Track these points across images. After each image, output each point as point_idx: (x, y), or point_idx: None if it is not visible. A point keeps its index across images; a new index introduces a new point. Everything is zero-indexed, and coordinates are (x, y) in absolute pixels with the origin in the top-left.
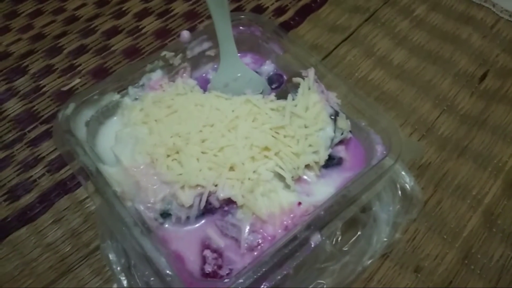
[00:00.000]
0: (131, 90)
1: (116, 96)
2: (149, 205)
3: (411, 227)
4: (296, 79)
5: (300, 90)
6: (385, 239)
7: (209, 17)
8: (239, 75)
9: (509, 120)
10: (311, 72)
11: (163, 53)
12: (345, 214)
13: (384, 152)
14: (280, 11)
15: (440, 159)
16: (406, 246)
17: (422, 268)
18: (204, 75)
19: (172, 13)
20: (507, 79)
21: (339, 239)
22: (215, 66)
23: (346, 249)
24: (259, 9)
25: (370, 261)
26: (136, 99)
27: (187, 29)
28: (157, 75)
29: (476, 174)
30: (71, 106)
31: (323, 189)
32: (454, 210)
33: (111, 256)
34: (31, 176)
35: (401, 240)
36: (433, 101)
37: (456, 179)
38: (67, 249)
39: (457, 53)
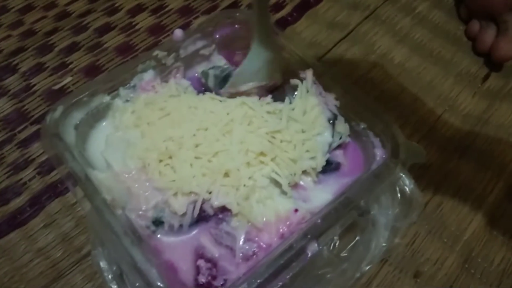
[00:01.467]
0: (122, 91)
1: (107, 98)
2: (140, 212)
3: (410, 231)
4: (294, 81)
5: (298, 93)
6: (384, 244)
7: (204, 12)
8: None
9: None
10: (309, 74)
11: (155, 52)
12: (342, 222)
13: (384, 156)
14: (277, 6)
15: (441, 160)
16: (406, 250)
17: (421, 273)
18: (197, 75)
19: (166, 9)
20: (511, 78)
21: (337, 244)
22: (210, 65)
23: (344, 255)
24: None
25: (368, 267)
26: (127, 100)
27: (182, 25)
28: (149, 75)
29: (477, 175)
30: (60, 109)
31: (320, 195)
32: (455, 212)
33: (102, 264)
34: (21, 179)
35: (400, 244)
36: (434, 101)
37: (457, 180)
38: (58, 254)
39: (459, 53)
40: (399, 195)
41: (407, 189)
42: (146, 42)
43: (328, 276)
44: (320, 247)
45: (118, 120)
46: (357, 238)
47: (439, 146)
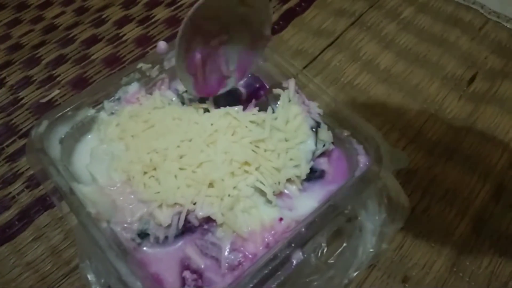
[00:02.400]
0: (107, 104)
1: (91, 111)
2: (126, 225)
3: (398, 236)
4: (276, 91)
5: (280, 102)
6: (371, 250)
7: None
8: None
9: (497, 122)
10: (291, 83)
11: (139, 65)
12: (327, 229)
13: (367, 163)
14: None
15: (428, 164)
16: (394, 255)
17: (410, 278)
18: None
19: (153, 20)
20: (496, 81)
21: (324, 251)
22: None
23: (332, 261)
24: None
25: (356, 273)
26: (112, 113)
27: (169, 36)
28: (134, 88)
29: (464, 179)
30: (44, 124)
31: (305, 203)
32: (442, 216)
33: (90, 277)
34: (10, 193)
35: (388, 249)
36: (420, 105)
37: (444, 184)
38: (47, 268)
39: (445, 56)
40: (385, 200)
41: (394, 194)
42: (134, 53)
43: (316, 283)
44: (305, 256)
45: (103, 133)
46: (344, 244)
47: (426, 150)
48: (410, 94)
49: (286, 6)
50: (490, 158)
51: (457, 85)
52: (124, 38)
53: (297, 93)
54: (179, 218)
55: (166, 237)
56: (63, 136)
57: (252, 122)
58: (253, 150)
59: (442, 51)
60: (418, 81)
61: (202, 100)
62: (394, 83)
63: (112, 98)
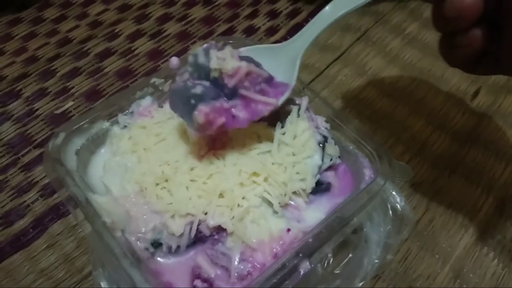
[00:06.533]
0: (121, 117)
1: (106, 124)
2: (139, 235)
3: (402, 247)
4: (288, 107)
5: (289, 117)
6: (376, 261)
7: (201, 38)
8: None
9: (501, 135)
10: (304, 101)
11: (153, 80)
12: (334, 240)
13: (372, 176)
14: (272, 30)
15: (432, 177)
16: (398, 266)
17: None
18: None
19: (164, 34)
20: (499, 95)
21: (331, 261)
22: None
23: (338, 272)
24: (251, 30)
25: (361, 283)
26: (125, 126)
27: (180, 50)
28: (147, 101)
29: (468, 191)
30: (61, 135)
31: (313, 214)
32: (446, 228)
33: (103, 284)
34: (25, 201)
35: (393, 260)
36: (425, 119)
37: (448, 197)
38: (61, 275)
39: (449, 71)
40: (390, 212)
41: (399, 207)
42: (145, 66)
43: None
44: (312, 265)
45: (116, 146)
46: (350, 255)
47: (430, 163)
48: (414, 108)
49: (293, 22)
50: (493, 171)
51: (461, 99)
52: (136, 52)
53: (307, 110)
54: (191, 228)
55: (178, 247)
56: (79, 148)
57: (261, 135)
58: (260, 162)
59: (446, 66)
60: (422, 95)
61: None
62: (399, 97)
63: (126, 111)
